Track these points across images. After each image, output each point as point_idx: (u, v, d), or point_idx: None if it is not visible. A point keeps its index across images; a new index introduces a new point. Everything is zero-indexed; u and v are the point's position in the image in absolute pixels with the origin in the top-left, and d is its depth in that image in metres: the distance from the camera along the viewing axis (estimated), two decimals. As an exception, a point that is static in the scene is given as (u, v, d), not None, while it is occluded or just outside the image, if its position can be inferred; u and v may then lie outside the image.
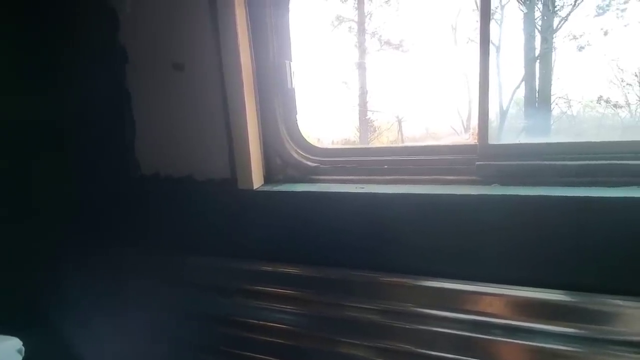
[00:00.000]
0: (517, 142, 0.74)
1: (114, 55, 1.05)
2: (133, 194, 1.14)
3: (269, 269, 0.97)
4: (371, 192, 0.82)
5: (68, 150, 1.20)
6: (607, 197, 0.64)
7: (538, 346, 0.71)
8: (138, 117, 1.08)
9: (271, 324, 0.96)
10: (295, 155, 0.98)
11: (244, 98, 0.90)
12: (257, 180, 0.98)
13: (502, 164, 0.74)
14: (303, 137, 0.99)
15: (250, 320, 0.99)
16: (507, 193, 0.70)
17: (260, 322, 0.97)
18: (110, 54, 1.05)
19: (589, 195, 0.65)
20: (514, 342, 0.73)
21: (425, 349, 0.80)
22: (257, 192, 0.96)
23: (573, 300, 0.69)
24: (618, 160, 0.67)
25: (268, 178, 1.01)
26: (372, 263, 0.85)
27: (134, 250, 1.16)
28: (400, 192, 0.79)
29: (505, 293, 0.73)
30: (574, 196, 0.66)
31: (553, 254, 0.69)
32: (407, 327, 0.81)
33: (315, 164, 0.96)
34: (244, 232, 1.00)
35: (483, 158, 0.76)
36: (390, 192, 0.80)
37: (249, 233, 0.99)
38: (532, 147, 0.73)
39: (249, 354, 0.99)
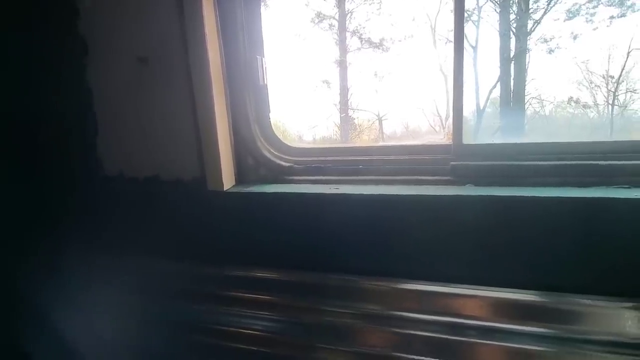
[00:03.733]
0: (492, 142, 0.73)
1: (72, 45, 0.98)
2: (96, 196, 1.07)
3: (242, 273, 0.93)
4: (346, 193, 0.79)
5: (23, 147, 1.11)
6: (578, 198, 0.64)
7: (512, 347, 0.71)
8: (99, 113, 1.01)
9: (245, 331, 0.92)
10: (268, 155, 0.94)
11: (212, 94, 0.85)
12: (227, 181, 0.93)
13: (477, 164, 0.73)
14: (276, 136, 0.96)
15: (223, 327, 0.94)
16: (481, 194, 0.68)
17: (234, 329, 0.93)
18: (69, 44, 0.98)
19: (561, 195, 0.65)
20: (489, 343, 0.72)
21: (403, 352, 0.79)
22: (228, 194, 0.91)
23: (545, 300, 0.69)
24: (589, 160, 0.67)
25: (240, 179, 0.96)
26: (348, 266, 0.83)
27: (98, 254, 1.09)
28: (375, 193, 0.77)
29: (479, 294, 0.73)
30: (545, 197, 0.66)
31: (526, 254, 0.69)
32: (383, 330, 0.80)
33: (289, 164, 0.93)
34: (214, 235, 0.95)
35: (457, 158, 0.75)
36: (364, 193, 0.77)
37: (220, 236, 0.94)
38: (506, 147, 0.73)
39: (219, 362, 0.95)
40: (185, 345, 0.99)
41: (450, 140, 0.76)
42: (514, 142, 0.71)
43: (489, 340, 0.73)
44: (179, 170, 0.98)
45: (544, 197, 0.64)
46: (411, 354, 0.78)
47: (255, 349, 0.92)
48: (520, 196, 0.66)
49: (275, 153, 0.94)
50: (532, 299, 0.69)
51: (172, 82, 0.90)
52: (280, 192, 0.86)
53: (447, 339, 0.76)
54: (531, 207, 0.66)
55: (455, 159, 0.75)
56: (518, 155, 0.72)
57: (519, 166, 0.70)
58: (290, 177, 0.92)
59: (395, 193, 0.75)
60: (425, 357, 0.77)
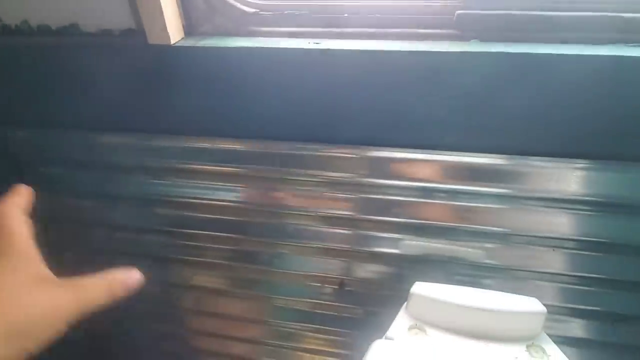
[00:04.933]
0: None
1: None
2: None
3: (206, 145, 0.83)
4: (328, 49, 0.65)
5: None
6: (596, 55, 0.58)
7: (470, 205, 0.75)
8: None
9: (213, 202, 0.89)
10: (225, -3, 0.72)
11: None
12: (174, 33, 0.73)
13: (488, 13, 0.61)
14: (233, -32, 0.72)
15: (189, 200, 0.90)
16: (492, 50, 0.59)
17: (200, 201, 0.90)
18: None
19: (581, 53, 0.58)
20: (450, 204, 0.76)
21: (370, 215, 0.82)
22: (176, 49, 0.73)
23: (511, 163, 0.70)
24: (611, 12, 0.58)
25: (189, 29, 0.76)
26: (325, 134, 0.76)
27: (27, 131, 0.91)
28: (363, 48, 0.64)
29: (452, 159, 0.73)
30: (563, 54, 0.58)
31: (519, 119, 0.66)
32: (354, 196, 0.80)
33: (254, 10, 0.73)
34: (165, 102, 0.80)
35: (466, 5, 0.62)
36: (351, 48, 0.64)
37: (172, 102, 0.79)
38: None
39: (191, 231, 0.95)
40: (149, 218, 0.96)
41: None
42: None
43: (456, 201, 0.76)
44: (105, 17, 0.75)
45: (561, 54, 0.57)
46: (380, 216, 0.81)
47: (225, 217, 0.91)
48: (530, 53, 0.58)
49: (234, -6, 0.73)
50: (501, 162, 0.71)
51: None
52: (244, 47, 0.69)
53: (416, 202, 0.78)
54: (543, 67, 0.59)
55: (463, 6, 0.62)
56: (537, 4, 0.60)
57: (536, 17, 0.60)
58: (256, 28, 0.73)
59: (387, 49, 0.63)
60: (394, 218, 0.81)
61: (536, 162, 0.69)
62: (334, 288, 0.91)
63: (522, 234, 0.75)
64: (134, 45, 0.75)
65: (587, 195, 0.69)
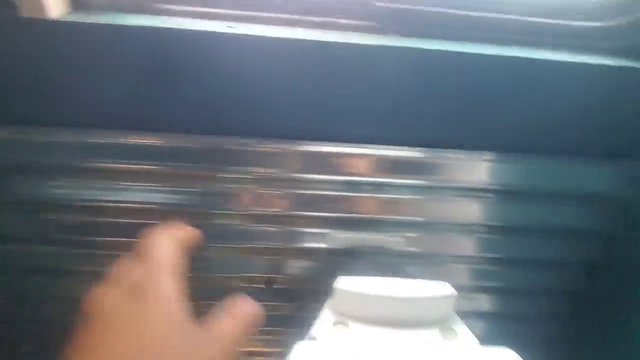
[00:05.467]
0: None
1: None
2: None
3: (112, 140, 0.72)
4: (243, 34, 0.60)
5: None
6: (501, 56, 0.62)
7: (391, 197, 0.78)
8: None
9: (122, 205, 0.78)
10: (122, -34, 0.62)
11: None
12: (56, 4, 0.61)
13: (404, 7, 0.61)
14: None
15: (92, 203, 0.78)
16: (405, 45, 0.60)
17: (107, 204, 0.78)
18: None
19: (486, 53, 0.61)
20: (374, 196, 0.78)
21: (299, 210, 0.80)
22: (59, 25, 0.60)
23: (427, 155, 0.73)
24: (516, 16, 0.63)
25: (77, 3, 0.64)
26: (241, 127, 0.71)
27: None
28: (282, 36, 0.60)
29: (376, 153, 0.74)
30: (470, 53, 0.61)
31: (430, 113, 0.69)
32: (280, 192, 0.77)
33: (157, -15, 0.64)
34: (53, 89, 0.67)
35: (383, -2, 0.62)
36: (268, 35, 0.60)
37: (62, 90, 0.67)
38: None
39: (95, 238, 0.83)
40: (45, 226, 0.81)
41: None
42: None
43: (379, 193, 0.78)
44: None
45: (471, 53, 0.60)
46: (307, 211, 0.80)
47: (144, 222, 0.81)
48: (447, 51, 0.60)
49: (133, -35, 0.63)
50: (417, 155, 0.74)
51: None
52: (149, 27, 0.60)
53: (342, 195, 0.78)
54: (454, 64, 0.61)
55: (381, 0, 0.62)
56: (452, 3, 0.63)
57: (452, 15, 0.62)
58: (162, 6, 0.64)
59: (304, 37, 0.60)
60: (322, 212, 0.80)
61: (449, 155, 0.73)
62: (263, 287, 0.88)
63: (439, 222, 0.80)
64: (4, 19, 0.61)
65: (491, 185, 0.76)
